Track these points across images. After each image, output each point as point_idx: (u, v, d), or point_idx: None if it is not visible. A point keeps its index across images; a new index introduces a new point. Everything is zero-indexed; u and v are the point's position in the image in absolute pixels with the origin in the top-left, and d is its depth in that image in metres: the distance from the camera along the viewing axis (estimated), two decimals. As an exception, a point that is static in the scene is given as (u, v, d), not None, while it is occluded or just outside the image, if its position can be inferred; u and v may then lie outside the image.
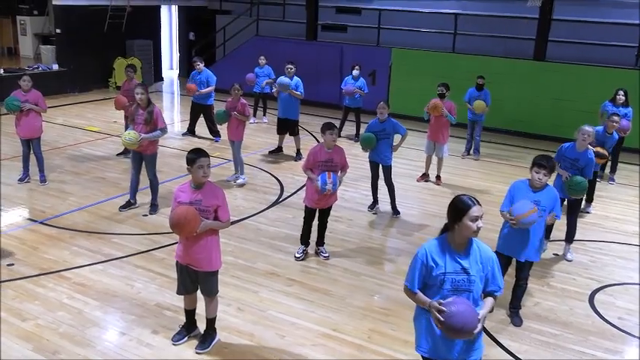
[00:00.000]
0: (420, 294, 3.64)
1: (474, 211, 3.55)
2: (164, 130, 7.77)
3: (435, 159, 9.81)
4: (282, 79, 10.59)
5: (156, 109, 7.71)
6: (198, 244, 4.75)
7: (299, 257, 6.82)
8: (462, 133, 11.98)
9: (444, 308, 3.40)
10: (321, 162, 6.55)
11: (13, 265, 6.35)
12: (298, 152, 10.92)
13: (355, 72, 12.16)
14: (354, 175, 9.97)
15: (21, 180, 8.89)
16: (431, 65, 14.18)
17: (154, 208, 7.96)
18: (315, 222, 6.84)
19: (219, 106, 11.40)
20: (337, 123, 12.55)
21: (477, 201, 3.64)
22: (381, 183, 8.34)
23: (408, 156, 10.77)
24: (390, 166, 8.19)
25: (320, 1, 16.28)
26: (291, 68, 10.76)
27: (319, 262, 6.76)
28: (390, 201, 8.36)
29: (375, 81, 14.80)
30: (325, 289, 6.19)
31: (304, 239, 6.91)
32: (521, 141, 12.92)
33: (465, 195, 3.71)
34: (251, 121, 12.24)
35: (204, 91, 11.58)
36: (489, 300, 3.69)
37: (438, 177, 9.85)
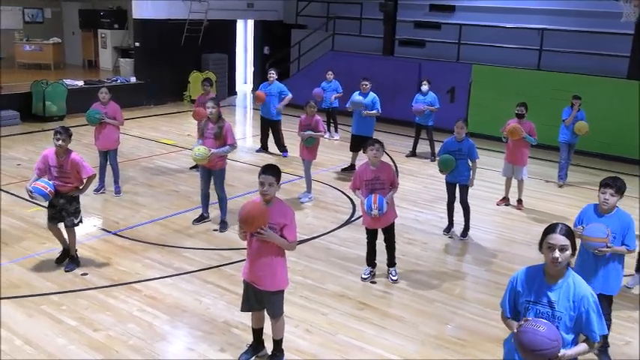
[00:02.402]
0: (510, 320, 3.61)
1: (552, 238, 3.43)
2: (233, 146, 7.89)
3: (515, 182, 9.57)
4: (355, 97, 10.63)
5: (226, 124, 7.86)
6: (263, 262, 4.81)
7: (365, 278, 6.79)
8: (538, 153, 11.62)
9: (522, 322, 3.39)
10: (368, 181, 6.48)
11: (86, 274, 6.64)
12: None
13: (424, 87, 12.06)
14: (429, 196, 9.88)
15: (97, 191, 9.29)
16: (513, 83, 13.89)
17: (223, 225, 8.08)
18: (383, 242, 6.81)
19: (289, 122, 11.58)
20: (412, 142, 12.55)
21: (567, 231, 3.48)
22: (458, 206, 8.21)
23: (488, 177, 10.55)
24: (467, 186, 8.06)
25: (398, 15, 16.31)
26: (367, 84, 10.80)
27: (391, 286, 6.70)
28: (463, 222, 8.21)
29: (453, 98, 14.65)
30: (397, 314, 6.12)
31: (369, 260, 6.89)
32: (613, 165, 12.40)
33: (560, 223, 3.56)
34: (326, 136, 12.33)
35: (282, 103, 11.72)
36: (582, 345, 3.50)
37: (519, 201, 9.59)
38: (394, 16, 16.20)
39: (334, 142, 13.27)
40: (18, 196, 8.41)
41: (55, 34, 19.64)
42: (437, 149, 11.84)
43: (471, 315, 6.14)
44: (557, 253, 3.40)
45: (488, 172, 10.54)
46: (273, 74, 11.86)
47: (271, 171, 4.74)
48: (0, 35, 18.59)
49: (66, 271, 6.65)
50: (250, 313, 5.13)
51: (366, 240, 6.84)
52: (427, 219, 8.87)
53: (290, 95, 11.84)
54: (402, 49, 16.60)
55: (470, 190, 8.13)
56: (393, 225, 6.76)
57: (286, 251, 4.94)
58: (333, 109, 13.48)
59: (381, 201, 6.34)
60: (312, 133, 9.17)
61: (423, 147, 12.48)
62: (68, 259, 6.81)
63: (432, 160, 11.96)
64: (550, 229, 3.49)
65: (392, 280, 6.79)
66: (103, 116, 8.95)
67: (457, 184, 8.06)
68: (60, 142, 6.47)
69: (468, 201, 8.15)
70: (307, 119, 9.31)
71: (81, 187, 6.73)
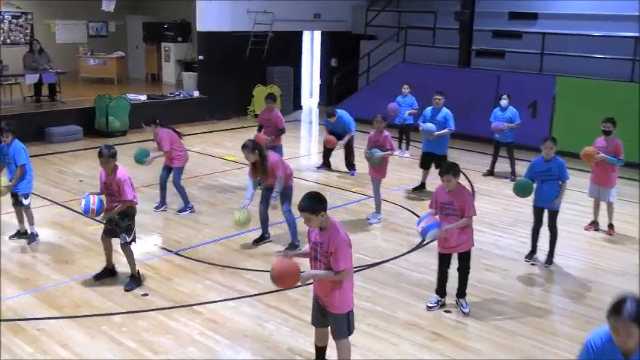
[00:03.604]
0: None
1: (613, 320, 3.17)
2: (282, 178, 7.87)
3: (605, 205, 9.24)
4: (427, 125, 10.53)
5: (271, 161, 7.83)
6: (322, 286, 4.94)
7: (431, 307, 6.67)
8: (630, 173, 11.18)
9: None
10: (442, 204, 6.41)
11: (147, 295, 6.80)
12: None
13: (503, 102, 11.83)
14: (509, 218, 9.66)
15: (157, 208, 9.54)
16: (602, 96, 13.45)
17: (291, 248, 8.06)
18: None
19: (359, 138, 11.57)
20: (490, 160, 12.32)
21: (633, 312, 3.13)
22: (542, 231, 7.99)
23: (575, 200, 10.22)
24: (558, 211, 7.83)
25: (475, 24, 16.14)
26: (440, 99, 10.70)
27: (466, 316, 6.56)
28: (548, 248, 7.97)
29: (535, 113, 14.32)
30: (473, 347, 5.98)
31: (439, 288, 6.75)
32: None
33: (630, 299, 3.21)
34: (396, 153, 12.27)
35: (342, 143, 11.68)
36: None
37: (610, 226, 9.23)
38: (471, 25, 16.03)
39: (404, 160, 13.18)
40: (80, 213, 8.70)
41: (119, 47, 20.44)
42: (517, 168, 11.71)
43: (557, 351, 5.93)
44: (623, 338, 3.17)
45: (575, 194, 10.21)
46: (333, 114, 11.77)
47: (304, 205, 4.74)
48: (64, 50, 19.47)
49: (126, 290, 6.84)
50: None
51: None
52: (507, 244, 8.66)
53: (352, 133, 11.77)
54: (479, 60, 16.39)
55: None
56: (468, 253, 6.61)
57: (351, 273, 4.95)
58: (407, 126, 13.41)
59: (430, 227, 6.22)
60: (380, 152, 9.11)
61: (502, 165, 12.22)
62: (129, 278, 7.00)
63: (511, 180, 11.70)
64: (615, 309, 3.17)
65: (463, 312, 6.61)
66: (147, 156, 9.19)
67: (544, 209, 7.85)
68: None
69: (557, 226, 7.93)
70: (375, 135, 9.29)
71: (115, 207, 6.85)
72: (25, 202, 8.09)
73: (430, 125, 10.53)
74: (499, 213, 9.97)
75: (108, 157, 6.74)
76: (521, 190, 7.74)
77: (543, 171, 7.70)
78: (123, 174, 6.79)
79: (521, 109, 12.45)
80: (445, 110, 10.64)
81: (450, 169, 6.30)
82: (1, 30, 18.90)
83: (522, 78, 14.79)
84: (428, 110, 10.80)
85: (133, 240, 6.99)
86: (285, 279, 4.81)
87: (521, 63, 15.47)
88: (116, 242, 7.08)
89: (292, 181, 8.23)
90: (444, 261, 6.66)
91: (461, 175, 6.27)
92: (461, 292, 6.72)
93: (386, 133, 9.29)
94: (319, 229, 4.82)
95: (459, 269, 6.66)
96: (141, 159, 9.21)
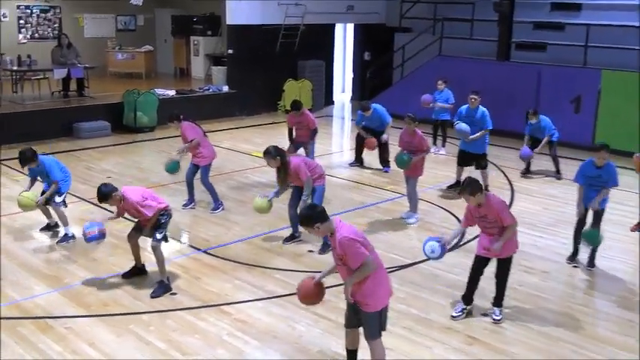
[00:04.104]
0: None
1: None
2: (309, 179, 7.91)
3: (653, 204, 9.08)
4: (461, 126, 10.41)
5: (292, 165, 7.87)
6: (355, 287, 4.99)
7: (455, 317, 6.52)
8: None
9: None
10: (476, 217, 6.32)
11: (175, 294, 6.88)
12: (485, 189, 10.60)
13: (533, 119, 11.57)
14: (549, 218, 9.56)
15: (185, 206, 9.63)
16: (651, 90, 13.21)
17: (324, 247, 8.08)
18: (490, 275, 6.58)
19: (394, 134, 11.53)
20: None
21: None
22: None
23: (620, 199, 10.05)
24: (603, 210, 7.72)
25: (515, 15, 15.95)
26: (475, 99, 10.52)
27: (504, 320, 6.48)
28: (590, 250, 7.86)
29: (579, 108, 14.11)
30: (512, 351, 5.94)
31: (466, 295, 6.58)
32: None
33: None
34: (432, 150, 12.18)
35: (385, 136, 11.69)
36: None
37: (659, 227, 9.06)
38: (510, 16, 15.84)
39: (440, 157, 13.10)
40: (109, 211, 8.82)
41: (147, 41, 20.69)
42: (560, 166, 11.57)
43: (599, 357, 5.86)
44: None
45: (620, 193, 10.03)
46: (367, 109, 11.75)
47: (303, 223, 4.97)
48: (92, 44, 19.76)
49: (152, 297, 6.79)
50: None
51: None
52: (548, 245, 8.56)
53: (389, 123, 11.79)
54: (519, 53, 16.18)
55: (598, 213, 7.80)
56: (509, 259, 6.42)
57: (377, 270, 5.00)
58: (443, 122, 13.31)
59: (439, 250, 6.15)
60: (411, 156, 9.06)
61: (542, 162, 12.06)
62: (158, 283, 6.94)
63: (557, 179, 11.55)
64: None
65: (494, 319, 6.47)
66: (178, 166, 9.48)
67: (589, 210, 7.74)
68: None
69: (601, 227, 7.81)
70: (408, 136, 9.19)
71: (148, 224, 6.90)
72: (58, 199, 8.25)
73: (465, 126, 10.37)
74: (539, 213, 9.85)
75: (110, 200, 6.76)
76: (589, 240, 7.64)
77: (593, 176, 7.59)
78: (131, 199, 6.72)
79: (563, 104, 12.25)
80: (481, 109, 10.48)
81: (465, 190, 6.17)
82: (29, 24, 19.29)
83: (565, 72, 14.57)
84: (463, 109, 10.66)
85: (164, 239, 6.98)
86: (309, 299, 5.28)
87: (563, 56, 15.23)
88: (146, 242, 7.16)
89: (324, 181, 8.25)
90: (479, 265, 6.50)
91: (482, 190, 6.15)
92: (498, 301, 6.54)
93: (419, 133, 9.16)
94: (330, 235, 4.93)
95: (497, 276, 6.48)
96: (173, 170, 9.50)
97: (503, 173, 11.97)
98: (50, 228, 8.59)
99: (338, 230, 4.87)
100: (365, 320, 5.07)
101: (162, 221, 6.93)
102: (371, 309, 4.99)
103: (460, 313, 6.55)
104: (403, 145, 9.23)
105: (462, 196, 6.26)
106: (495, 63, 15.87)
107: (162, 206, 6.92)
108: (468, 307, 6.59)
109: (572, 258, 8.01)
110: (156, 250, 6.91)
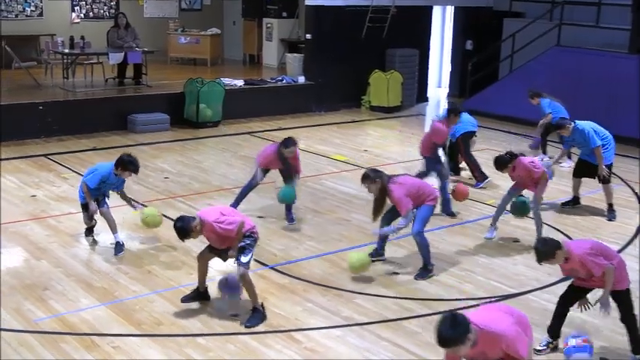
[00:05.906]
0: None
1: None
2: (408, 212, 7.75)
3: None
4: (546, 163, 10.26)
5: (395, 196, 7.73)
6: None
7: (539, 351, 6.47)
8: None
9: None
10: (566, 271, 6.39)
11: (237, 315, 6.99)
12: (610, 208, 10.35)
13: None
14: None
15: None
16: None
17: (422, 273, 7.98)
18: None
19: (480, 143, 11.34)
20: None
21: None
22: None
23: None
24: None
25: (653, -1, 15.50)
26: (567, 127, 10.15)
27: (630, 367, 6.32)
28: None
29: None
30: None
31: (552, 326, 6.56)
32: None
33: None
34: (564, 164, 12.06)
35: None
36: None
37: None
38: (648, 0, 15.42)
39: (562, 169, 12.68)
40: (166, 216, 9.06)
41: (214, 24, 21.08)
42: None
43: None
44: None
45: None
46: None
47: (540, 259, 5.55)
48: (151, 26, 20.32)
49: (246, 327, 6.75)
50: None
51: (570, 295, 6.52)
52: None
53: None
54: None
55: None
56: (625, 293, 6.27)
57: None
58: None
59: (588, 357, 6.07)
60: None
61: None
62: (252, 311, 6.88)
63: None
64: None
65: None
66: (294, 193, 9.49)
67: None
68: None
69: None
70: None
71: (232, 248, 6.85)
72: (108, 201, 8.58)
73: (547, 161, 10.28)
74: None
75: (193, 234, 6.69)
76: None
77: None
78: (208, 220, 6.64)
79: None
80: (579, 129, 10.13)
81: (540, 257, 6.04)
82: (83, 2, 19.99)
83: None
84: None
85: (248, 264, 6.86)
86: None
87: None
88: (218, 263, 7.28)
89: (435, 202, 8.15)
90: (573, 296, 6.48)
91: (558, 247, 6.03)
92: (636, 348, 6.33)
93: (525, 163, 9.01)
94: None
95: (621, 319, 6.34)
96: (291, 199, 9.48)
97: (632, 189, 11.61)
98: (91, 232, 8.87)
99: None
100: None
101: (248, 242, 6.87)
102: None
103: (545, 347, 6.56)
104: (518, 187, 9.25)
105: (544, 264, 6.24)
106: (626, 56, 15.43)
107: (248, 227, 6.86)
108: (555, 342, 6.57)
109: None
110: (243, 278, 6.79)
